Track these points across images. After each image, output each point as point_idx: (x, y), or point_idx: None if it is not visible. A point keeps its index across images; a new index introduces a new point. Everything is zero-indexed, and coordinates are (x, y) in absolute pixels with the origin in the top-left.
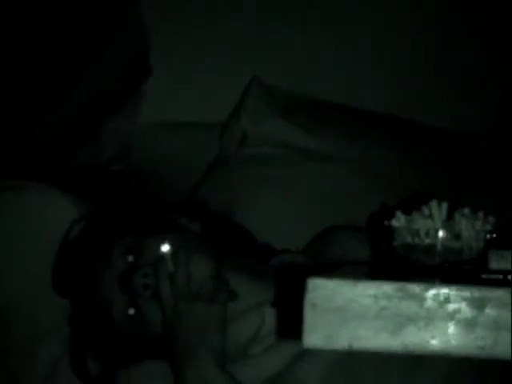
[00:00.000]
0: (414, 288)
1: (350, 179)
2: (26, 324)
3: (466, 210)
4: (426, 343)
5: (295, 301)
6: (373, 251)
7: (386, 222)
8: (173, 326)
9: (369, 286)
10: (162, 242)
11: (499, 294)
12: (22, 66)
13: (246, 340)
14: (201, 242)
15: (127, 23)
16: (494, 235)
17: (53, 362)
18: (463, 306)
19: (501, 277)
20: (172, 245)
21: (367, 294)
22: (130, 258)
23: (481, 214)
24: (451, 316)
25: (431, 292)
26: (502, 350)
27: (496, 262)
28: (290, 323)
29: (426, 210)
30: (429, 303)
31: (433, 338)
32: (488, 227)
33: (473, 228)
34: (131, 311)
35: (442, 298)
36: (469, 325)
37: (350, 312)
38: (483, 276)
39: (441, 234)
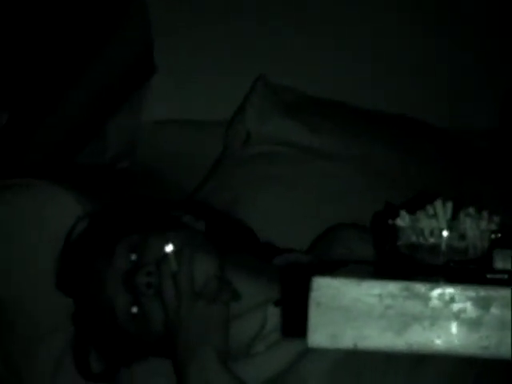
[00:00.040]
0: (419, 287)
1: (353, 178)
2: (28, 324)
3: (471, 210)
4: (431, 343)
5: (300, 300)
6: (377, 250)
7: (390, 222)
8: (175, 325)
9: (374, 285)
10: (166, 241)
11: (504, 293)
12: (25, 63)
13: (249, 338)
14: (205, 241)
15: (131, 20)
16: (499, 235)
17: (55, 361)
18: (468, 305)
19: (506, 276)
20: (175, 243)
21: (372, 293)
22: (134, 257)
23: (485, 214)
24: (456, 316)
25: (436, 291)
26: (506, 350)
27: (501, 262)
28: (295, 322)
29: (430, 210)
30: (434, 303)
31: (438, 337)
32: (493, 227)
33: (477, 227)
34: (134, 309)
35: (447, 297)
36: (474, 324)
37: (355, 311)
38: (488, 276)
39: (445, 233)
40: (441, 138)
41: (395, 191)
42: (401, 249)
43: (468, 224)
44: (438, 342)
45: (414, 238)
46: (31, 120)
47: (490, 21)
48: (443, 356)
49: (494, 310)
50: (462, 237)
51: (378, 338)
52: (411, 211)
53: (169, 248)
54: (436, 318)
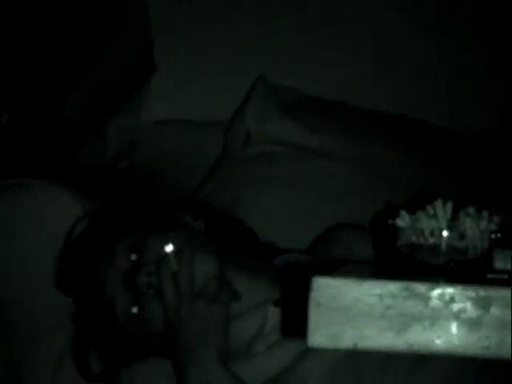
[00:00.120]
0: (420, 287)
1: (353, 178)
2: (28, 324)
3: (471, 210)
4: (431, 343)
5: (300, 300)
6: (377, 250)
7: (390, 222)
8: (175, 325)
9: (374, 285)
10: (166, 241)
11: (504, 293)
12: (25, 63)
13: (249, 338)
14: (205, 241)
15: (131, 20)
16: (499, 235)
17: (55, 360)
18: (468, 305)
19: (506, 277)
20: (175, 243)
21: (372, 293)
22: (134, 257)
23: (485, 214)
24: (456, 316)
25: (436, 291)
26: (506, 350)
27: (501, 262)
28: (295, 322)
29: (430, 210)
30: (434, 303)
31: (438, 337)
32: (493, 227)
33: (478, 227)
34: (134, 309)
35: (447, 297)
36: (474, 324)
37: (355, 311)
38: (488, 276)
39: (445, 233)
40: (441, 138)
41: (395, 191)
42: (401, 249)
43: (468, 224)
44: (438, 342)
45: (414, 238)
46: (31, 120)
47: (490, 21)
48: (443, 356)
49: (494, 310)
50: (462, 237)
51: (378, 337)
52: (411, 211)
53: (169, 248)
54: (436, 318)
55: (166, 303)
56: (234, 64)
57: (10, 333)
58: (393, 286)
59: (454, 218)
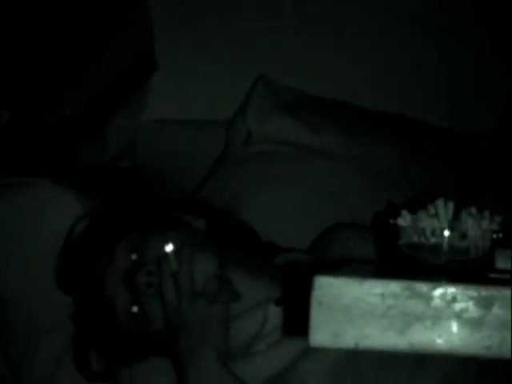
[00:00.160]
0: (422, 287)
1: (353, 177)
2: (28, 323)
3: (473, 210)
4: (433, 342)
5: (301, 299)
6: (378, 250)
7: (391, 221)
8: (175, 324)
9: (376, 284)
10: (166, 240)
11: (506, 293)
12: (26, 63)
13: (249, 338)
14: (205, 240)
15: (132, 19)
16: (501, 235)
17: (55, 360)
18: (470, 305)
19: (508, 276)
20: (175, 243)
21: (374, 292)
22: (134, 256)
23: (487, 214)
24: (458, 315)
25: (438, 291)
26: (508, 350)
27: (502, 262)
28: (296, 321)
29: (431, 209)
30: (436, 302)
31: (440, 337)
32: (494, 226)
33: (479, 227)
34: (135, 309)
35: (449, 297)
36: (476, 324)
37: (357, 310)
38: (490, 275)
39: (447, 233)
40: (441, 137)
41: (396, 191)
42: (402, 248)
43: (469, 224)
44: (439, 341)
45: (415, 238)
46: (32, 119)
47: (490, 20)
48: (445, 356)
49: (496, 310)
50: (464, 236)
51: (380, 337)
52: (412, 211)
53: (169, 247)
54: (438, 318)
55: (166, 302)
56: (234, 64)
57: (10, 332)
58: (395, 286)
59: (456, 217)
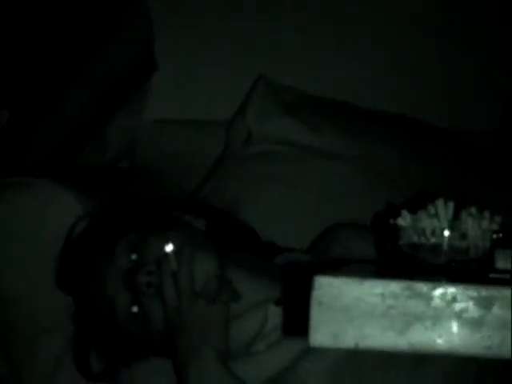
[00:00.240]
0: (422, 287)
1: (354, 177)
2: (28, 323)
3: (473, 210)
4: (433, 342)
5: (301, 299)
6: (378, 250)
7: (391, 221)
8: (175, 324)
9: (376, 284)
10: (166, 240)
11: (506, 293)
12: (26, 63)
13: (249, 338)
14: (205, 240)
15: (132, 19)
16: (501, 235)
17: (55, 360)
18: (470, 305)
19: (508, 276)
20: (176, 243)
21: (374, 292)
22: (134, 256)
23: (487, 214)
24: (458, 315)
25: (438, 291)
26: (508, 350)
27: (502, 262)
28: (296, 321)
29: (431, 209)
30: (436, 302)
31: (439, 337)
32: (494, 226)
33: (479, 227)
34: (135, 309)
35: (449, 297)
36: (476, 324)
37: (357, 310)
38: (490, 275)
39: (447, 233)
40: (441, 138)
41: (395, 191)
42: (402, 248)
43: (469, 224)
44: (439, 341)
45: (415, 238)
46: (31, 119)
47: (491, 20)
48: (445, 356)
49: (496, 310)
50: (464, 237)
51: (380, 337)
52: (412, 211)
53: (169, 247)
54: (438, 318)
55: (166, 303)
56: (235, 64)
57: (10, 332)
58: (395, 286)
59: (456, 217)
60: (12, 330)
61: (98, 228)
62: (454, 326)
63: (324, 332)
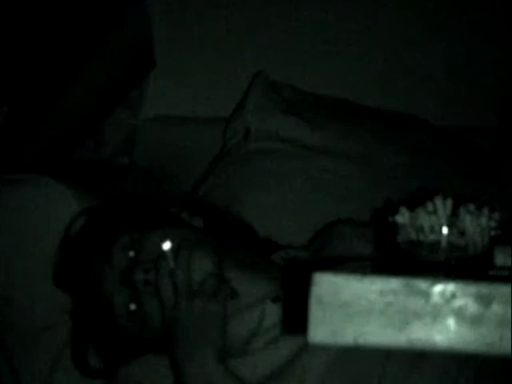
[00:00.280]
0: (421, 284)
1: (353, 175)
2: (25, 321)
3: (471, 206)
4: (432, 339)
5: (300, 295)
6: (377, 247)
7: (390, 218)
8: (173, 322)
9: (375, 281)
10: (164, 238)
11: (506, 290)
12: (25, 60)
13: (247, 335)
14: (203, 238)
15: (131, 17)
16: (499, 231)
17: (53, 358)
18: (469, 302)
19: (507, 273)
20: (173, 240)
21: (373, 289)
22: (131, 254)
23: (485, 211)
24: (457, 312)
25: (438, 288)
26: (507, 347)
27: (501, 259)
28: (296, 318)
29: (430, 206)
30: (435, 299)
31: (438, 334)
32: (493, 223)
33: (477, 224)
34: (132, 307)
35: (448, 294)
36: (475, 321)
37: (356, 307)
38: (489, 272)
39: (445, 230)
40: (441, 136)
41: (395, 189)
42: (401, 245)
43: (468, 221)
44: (438, 338)
45: (413, 235)
46: (30, 117)
47: (492, 19)
48: (444, 353)
49: (495, 307)
50: (462, 233)
51: (379, 334)
52: (411, 208)
53: (166, 245)
54: (437, 315)
55: (164, 301)
56: (233, 61)
57: (8, 331)
58: (394, 283)
59: (454, 214)
60: (10, 327)
61: (95, 225)
62: (453, 323)
63: (323, 329)
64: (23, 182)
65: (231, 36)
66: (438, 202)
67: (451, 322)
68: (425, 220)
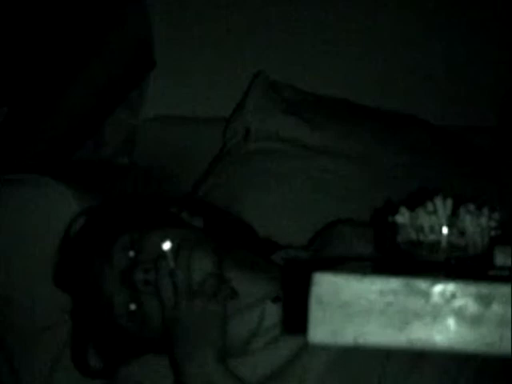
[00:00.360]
0: (421, 284)
1: (353, 175)
2: (25, 321)
3: (471, 206)
4: (432, 339)
5: (301, 295)
6: (377, 247)
7: (390, 218)
8: (173, 322)
9: (375, 281)
10: (163, 238)
11: (506, 290)
12: (24, 60)
13: (247, 335)
14: (203, 238)
15: (131, 16)
16: (499, 231)
17: (53, 358)
18: (469, 302)
19: (507, 273)
20: (173, 240)
21: (373, 289)
22: (131, 254)
23: (485, 211)
24: (457, 312)
25: (437, 288)
26: (507, 347)
27: (502, 259)
28: (296, 318)
29: (430, 206)
30: (435, 299)
31: (439, 334)
32: (493, 223)
33: (477, 224)
34: (132, 307)
35: (448, 294)
36: (475, 321)
37: (356, 307)
38: (490, 272)
39: (445, 230)
40: (441, 135)
41: (396, 189)
42: (401, 245)
43: (468, 221)
44: (438, 338)
45: (413, 235)
46: (30, 117)
47: (492, 18)
48: (444, 353)
49: (496, 307)
50: (462, 233)
51: (379, 334)
52: (411, 208)
53: (166, 245)
54: (437, 315)
55: (164, 301)
56: (234, 61)
57: (8, 330)
58: (394, 283)
59: (454, 214)
60: (10, 328)
61: (95, 225)
62: (453, 323)
63: (323, 329)
64: (23, 182)
65: (231, 36)
66: (438, 202)
67: (451, 322)
68: (425, 220)
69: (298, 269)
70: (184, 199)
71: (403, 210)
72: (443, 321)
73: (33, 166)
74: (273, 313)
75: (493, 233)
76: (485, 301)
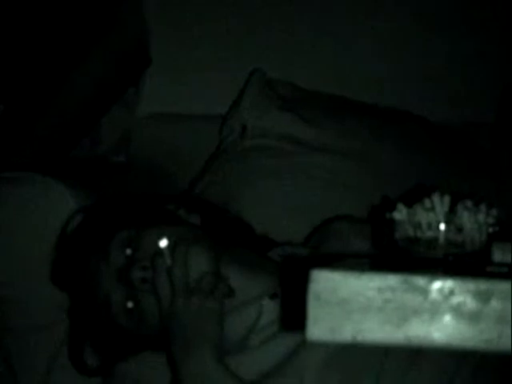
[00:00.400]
0: (419, 280)
1: (350, 171)
2: (23, 319)
3: (469, 203)
4: (430, 336)
5: (298, 292)
6: (375, 244)
7: (387, 215)
8: (170, 320)
9: (373, 278)
10: (160, 235)
11: (504, 286)
12: (20, 58)
13: (244, 332)
14: (200, 235)
15: (126, 13)
16: (497, 228)
17: (51, 357)
18: (468, 298)
19: (505, 269)
20: (170, 238)
21: (371, 286)
22: (128, 251)
23: (483, 207)
24: (456, 309)
25: (436, 285)
26: (506, 344)
27: (500, 255)
28: (294, 315)
29: (427, 203)
30: (433, 296)
31: (437, 330)
32: (490, 220)
33: (475, 221)
34: (129, 304)
35: (446, 290)
36: (473, 318)
37: (354, 304)
38: (488, 269)
39: (443, 226)
40: (439, 132)
41: (393, 186)
42: (399, 242)
43: (466, 217)
44: (437, 335)
45: (411, 232)
46: (26, 114)
47: (492, 16)
48: (442, 349)
49: (494, 303)
50: (460, 230)
51: (377, 331)
52: (409, 204)
53: (163, 243)
54: (435, 312)
55: (161, 298)
56: (230, 58)
57: (5, 329)
58: (392, 279)
59: (452, 211)
60: (7, 326)
61: (92, 223)
62: (452, 320)
63: (321, 326)
64: (21, 181)
65: (227, 33)
66: (436, 198)
67: (449, 319)
68: (422, 216)
69: (296, 266)
70: (181, 197)
71: (401, 206)
72: (441, 317)
73: (29, 164)
74: (270, 310)
75: (490, 229)
76: (483, 297)
